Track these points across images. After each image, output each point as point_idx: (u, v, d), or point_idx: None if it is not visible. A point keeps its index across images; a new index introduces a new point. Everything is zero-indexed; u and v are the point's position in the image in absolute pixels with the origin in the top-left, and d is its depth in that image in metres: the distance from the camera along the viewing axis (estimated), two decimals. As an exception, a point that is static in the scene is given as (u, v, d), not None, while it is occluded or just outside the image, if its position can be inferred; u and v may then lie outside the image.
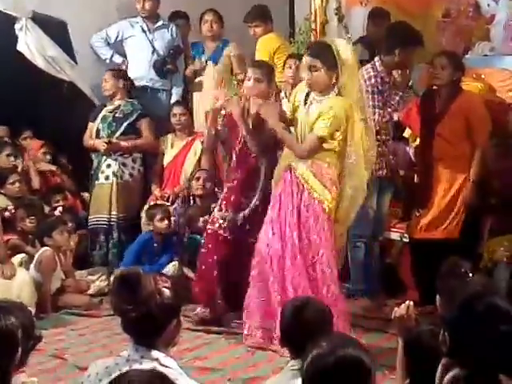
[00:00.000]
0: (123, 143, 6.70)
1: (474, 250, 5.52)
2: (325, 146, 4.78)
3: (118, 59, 7.39)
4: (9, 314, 2.59)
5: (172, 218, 6.40)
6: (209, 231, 5.45)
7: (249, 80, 5.37)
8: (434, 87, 5.76)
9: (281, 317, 3.27)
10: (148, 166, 6.95)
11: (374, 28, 6.91)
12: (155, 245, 6.28)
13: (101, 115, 6.82)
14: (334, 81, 4.73)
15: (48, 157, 7.02)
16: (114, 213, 6.64)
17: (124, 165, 6.74)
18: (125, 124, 6.77)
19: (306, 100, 4.92)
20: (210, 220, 5.53)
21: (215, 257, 5.39)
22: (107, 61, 7.39)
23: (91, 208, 6.74)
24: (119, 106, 6.82)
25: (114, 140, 6.66)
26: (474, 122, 5.54)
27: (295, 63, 6.22)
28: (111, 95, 6.84)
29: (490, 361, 2.19)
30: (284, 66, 6.47)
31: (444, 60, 5.59)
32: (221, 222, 5.39)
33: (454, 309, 2.31)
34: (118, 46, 7.41)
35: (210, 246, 5.42)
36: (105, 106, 6.89)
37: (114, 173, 6.69)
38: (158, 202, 6.58)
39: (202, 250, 5.48)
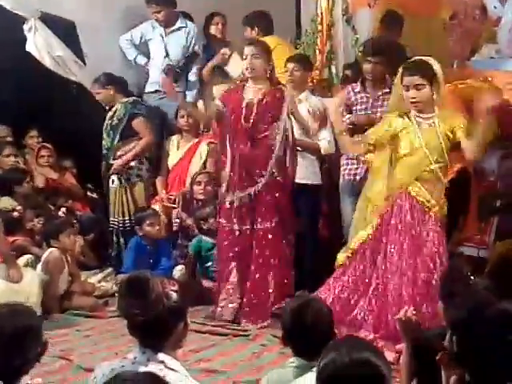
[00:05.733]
0: (124, 158, 6.70)
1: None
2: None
3: (141, 60, 7.44)
4: (19, 317, 2.60)
5: (176, 220, 6.44)
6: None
7: (245, 58, 5.41)
8: None
9: (283, 316, 3.28)
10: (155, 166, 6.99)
11: (386, 32, 6.88)
12: (148, 247, 6.34)
13: (104, 125, 6.84)
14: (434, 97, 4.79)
15: (49, 159, 7.02)
16: (116, 217, 6.72)
17: (130, 168, 6.76)
18: (119, 130, 6.76)
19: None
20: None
21: (231, 253, 5.43)
22: (132, 62, 7.42)
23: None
24: (115, 111, 6.81)
25: (114, 161, 6.71)
26: None
27: (293, 67, 6.22)
28: (109, 105, 6.84)
29: (496, 368, 2.18)
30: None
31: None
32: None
33: (463, 314, 2.30)
34: (144, 47, 7.46)
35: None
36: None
37: (118, 177, 6.74)
38: (152, 207, 6.64)
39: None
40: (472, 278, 3.51)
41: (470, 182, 5.77)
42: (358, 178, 5.73)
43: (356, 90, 5.90)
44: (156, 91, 7.32)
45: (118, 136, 6.76)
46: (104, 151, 6.84)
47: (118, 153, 6.77)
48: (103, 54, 7.34)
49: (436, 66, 4.80)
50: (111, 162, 6.75)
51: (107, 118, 6.83)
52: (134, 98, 6.98)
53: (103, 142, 6.83)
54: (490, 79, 6.31)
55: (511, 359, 2.16)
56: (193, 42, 7.38)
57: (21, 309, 2.78)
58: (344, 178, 5.96)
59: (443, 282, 3.60)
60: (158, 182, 6.88)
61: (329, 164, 6.43)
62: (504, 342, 2.16)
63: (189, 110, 6.91)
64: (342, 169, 6.01)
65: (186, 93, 7.41)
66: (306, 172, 6.07)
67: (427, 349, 3.08)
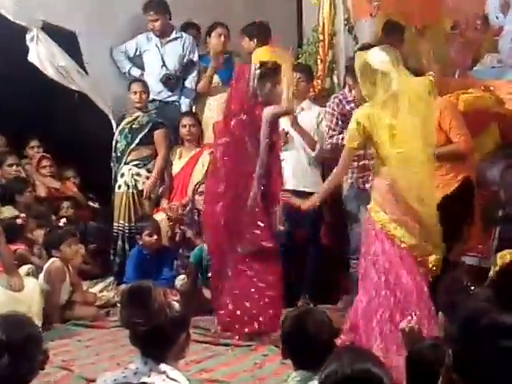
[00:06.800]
0: (152, 180, 6.79)
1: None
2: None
3: (135, 72, 7.44)
4: (18, 326, 2.58)
5: (178, 231, 6.46)
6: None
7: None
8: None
9: (282, 328, 3.24)
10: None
11: (387, 41, 6.86)
12: (148, 257, 6.38)
13: (119, 128, 6.89)
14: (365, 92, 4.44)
15: (51, 169, 7.05)
16: (121, 222, 6.74)
17: (138, 174, 6.81)
18: (140, 135, 6.83)
19: None
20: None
21: None
22: (126, 74, 7.44)
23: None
24: (137, 117, 6.88)
25: (125, 166, 6.78)
26: None
27: (299, 77, 6.22)
28: (141, 108, 6.90)
29: (491, 378, 2.15)
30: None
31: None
32: None
33: (457, 324, 2.28)
34: (138, 60, 7.47)
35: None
36: (123, 118, 6.96)
37: (125, 182, 6.77)
38: (155, 215, 6.67)
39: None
40: (472, 288, 3.49)
41: (474, 191, 5.75)
42: (367, 186, 5.60)
43: (348, 99, 5.85)
44: (152, 100, 7.31)
45: (136, 140, 6.82)
46: (118, 154, 6.87)
47: (130, 157, 6.82)
48: (102, 63, 7.33)
49: (370, 59, 4.38)
50: (122, 165, 6.81)
51: (124, 122, 6.88)
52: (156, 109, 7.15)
53: (117, 145, 6.87)
54: (491, 89, 6.33)
55: (505, 369, 2.14)
56: (189, 50, 7.40)
57: (19, 318, 2.76)
58: (352, 186, 5.87)
59: (442, 293, 3.58)
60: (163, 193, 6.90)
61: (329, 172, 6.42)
62: (496, 351, 2.14)
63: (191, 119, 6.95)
64: (346, 176, 5.93)
65: (181, 101, 7.41)
66: (308, 180, 6.07)
67: (420, 361, 3.02)
